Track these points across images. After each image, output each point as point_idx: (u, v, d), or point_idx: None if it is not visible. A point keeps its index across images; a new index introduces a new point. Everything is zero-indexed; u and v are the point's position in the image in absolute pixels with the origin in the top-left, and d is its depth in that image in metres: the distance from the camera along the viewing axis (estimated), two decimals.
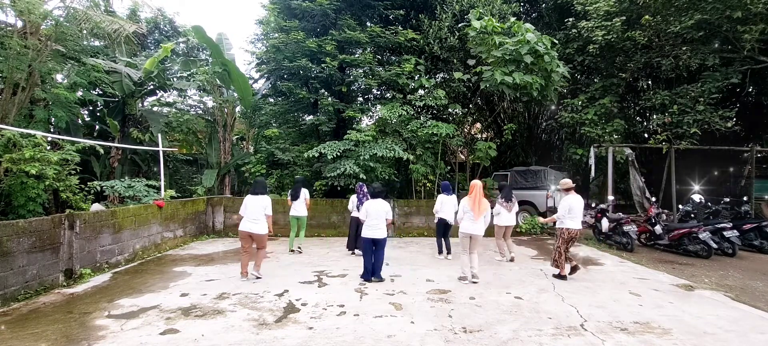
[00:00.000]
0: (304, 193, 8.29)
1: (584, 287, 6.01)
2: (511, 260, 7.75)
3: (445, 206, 7.75)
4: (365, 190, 7.73)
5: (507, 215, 7.66)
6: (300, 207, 8.20)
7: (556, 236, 6.56)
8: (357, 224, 7.70)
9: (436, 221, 7.97)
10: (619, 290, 5.86)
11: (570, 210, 6.30)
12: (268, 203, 6.20)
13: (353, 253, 8.09)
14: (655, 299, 5.41)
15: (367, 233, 6.13)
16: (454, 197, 7.91)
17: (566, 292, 5.71)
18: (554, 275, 6.52)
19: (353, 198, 8.02)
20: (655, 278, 6.61)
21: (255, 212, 6.09)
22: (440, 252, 7.96)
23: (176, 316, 4.64)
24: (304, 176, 10.89)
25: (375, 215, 6.11)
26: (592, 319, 4.65)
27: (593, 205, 10.84)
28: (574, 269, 6.56)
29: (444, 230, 7.92)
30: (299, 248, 8.41)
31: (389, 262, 7.48)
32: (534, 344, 3.97)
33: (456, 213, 7.75)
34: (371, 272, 6.21)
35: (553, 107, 15.22)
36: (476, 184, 6.28)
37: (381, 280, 6.18)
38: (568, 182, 6.55)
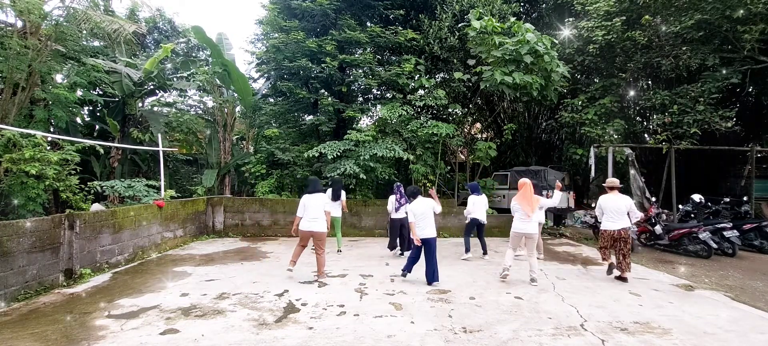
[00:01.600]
0: (343, 194, 8.31)
1: (584, 287, 6.01)
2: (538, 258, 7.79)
3: (476, 206, 7.78)
4: (402, 191, 7.72)
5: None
6: (337, 209, 8.14)
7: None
8: (400, 225, 7.75)
9: (467, 221, 8.01)
10: (619, 290, 5.85)
11: (603, 211, 6.25)
12: (326, 199, 6.29)
13: (402, 254, 7.92)
14: (655, 299, 5.41)
15: (423, 234, 5.94)
16: (484, 196, 7.99)
17: (566, 292, 5.71)
18: (616, 277, 6.35)
19: (392, 199, 7.97)
20: (655, 278, 6.61)
21: (316, 210, 6.10)
22: (467, 250, 7.89)
23: (176, 316, 4.64)
24: (304, 177, 10.92)
25: (423, 216, 5.97)
26: (592, 319, 4.65)
27: (593, 205, 10.84)
28: (610, 270, 6.44)
29: (478, 230, 7.96)
30: (339, 249, 8.42)
31: (389, 262, 7.49)
32: (534, 344, 3.97)
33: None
34: (430, 276, 5.98)
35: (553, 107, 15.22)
36: (526, 182, 6.21)
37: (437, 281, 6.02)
38: (614, 181, 6.42)
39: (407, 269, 6.25)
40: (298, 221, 6.15)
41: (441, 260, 7.72)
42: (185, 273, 6.62)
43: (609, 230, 6.21)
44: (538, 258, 7.46)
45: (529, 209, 5.99)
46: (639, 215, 6.56)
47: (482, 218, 7.80)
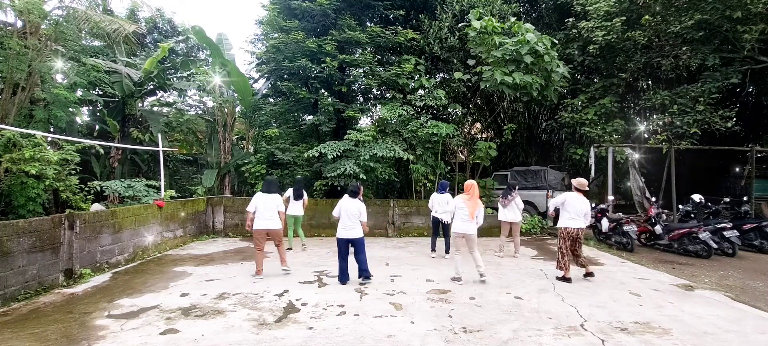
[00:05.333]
0: (304, 194, 8.58)
1: (584, 287, 6.00)
2: (516, 256, 8.02)
3: (436, 203, 8.02)
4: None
5: (503, 211, 7.97)
6: (299, 207, 8.47)
7: (560, 235, 6.37)
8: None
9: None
10: (619, 290, 5.85)
11: (565, 208, 6.27)
12: (280, 200, 6.53)
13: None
14: (655, 299, 5.41)
15: (351, 234, 6.01)
16: (446, 195, 8.04)
17: (566, 292, 5.71)
18: (557, 277, 6.39)
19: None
20: (655, 278, 6.61)
21: (270, 210, 6.31)
22: (433, 250, 8.17)
23: (176, 316, 4.64)
24: (304, 176, 10.91)
25: (349, 215, 6.03)
26: (592, 319, 4.65)
27: (593, 205, 10.84)
28: (588, 274, 6.42)
29: (443, 229, 8.04)
30: (304, 245, 8.75)
31: (389, 262, 7.49)
32: (534, 344, 3.97)
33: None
34: (362, 273, 6.13)
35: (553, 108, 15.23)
36: (473, 184, 6.28)
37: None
38: (584, 182, 6.35)
39: (342, 278, 6.09)
40: (252, 218, 6.29)
41: (440, 260, 7.76)
42: (185, 273, 6.61)
43: (570, 229, 6.19)
44: (514, 256, 8.04)
45: (472, 211, 6.02)
46: (590, 220, 6.67)
47: (443, 217, 7.74)
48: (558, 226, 6.37)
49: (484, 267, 6.21)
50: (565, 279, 6.25)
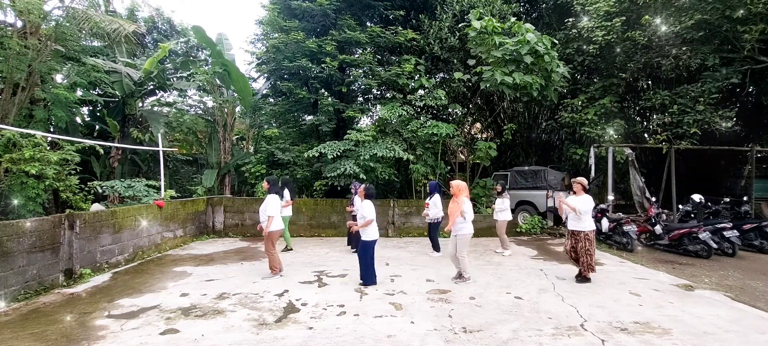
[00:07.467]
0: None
1: (584, 287, 6.00)
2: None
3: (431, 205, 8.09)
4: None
5: (508, 211, 8.11)
6: (290, 208, 8.72)
7: (588, 239, 6.11)
8: None
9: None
10: (619, 290, 5.85)
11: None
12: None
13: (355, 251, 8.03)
14: (655, 299, 5.41)
15: (376, 235, 6.00)
16: (436, 196, 8.09)
17: (566, 292, 5.71)
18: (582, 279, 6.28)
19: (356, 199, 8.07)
20: (655, 278, 6.60)
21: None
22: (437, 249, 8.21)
23: (176, 316, 4.64)
24: (303, 176, 10.92)
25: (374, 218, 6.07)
26: (592, 319, 4.65)
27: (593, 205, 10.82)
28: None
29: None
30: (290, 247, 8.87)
31: (389, 262, 7.49)
32: (534, 344, 3.97)
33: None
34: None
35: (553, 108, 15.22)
36: (464, 184, 6.34)
37: None
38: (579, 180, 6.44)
39: (372, 280, 5.94)
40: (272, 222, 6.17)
41: (440, 260, 7.76)
42: (185, 273, 6.62)
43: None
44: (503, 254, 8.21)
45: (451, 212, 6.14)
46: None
47: (430, 216, 8.00)
48: (584, 229, 6.11)
49: (464, 275, 6.23)
50: (586, 278, 6.23)
